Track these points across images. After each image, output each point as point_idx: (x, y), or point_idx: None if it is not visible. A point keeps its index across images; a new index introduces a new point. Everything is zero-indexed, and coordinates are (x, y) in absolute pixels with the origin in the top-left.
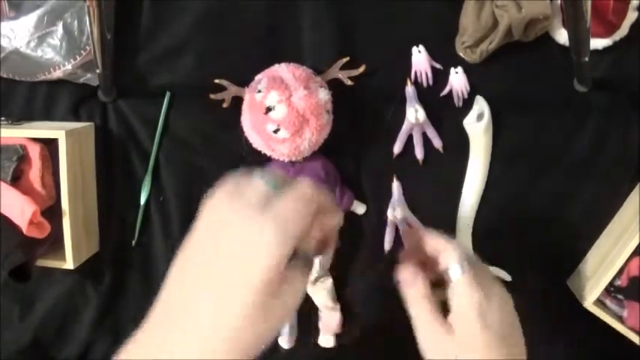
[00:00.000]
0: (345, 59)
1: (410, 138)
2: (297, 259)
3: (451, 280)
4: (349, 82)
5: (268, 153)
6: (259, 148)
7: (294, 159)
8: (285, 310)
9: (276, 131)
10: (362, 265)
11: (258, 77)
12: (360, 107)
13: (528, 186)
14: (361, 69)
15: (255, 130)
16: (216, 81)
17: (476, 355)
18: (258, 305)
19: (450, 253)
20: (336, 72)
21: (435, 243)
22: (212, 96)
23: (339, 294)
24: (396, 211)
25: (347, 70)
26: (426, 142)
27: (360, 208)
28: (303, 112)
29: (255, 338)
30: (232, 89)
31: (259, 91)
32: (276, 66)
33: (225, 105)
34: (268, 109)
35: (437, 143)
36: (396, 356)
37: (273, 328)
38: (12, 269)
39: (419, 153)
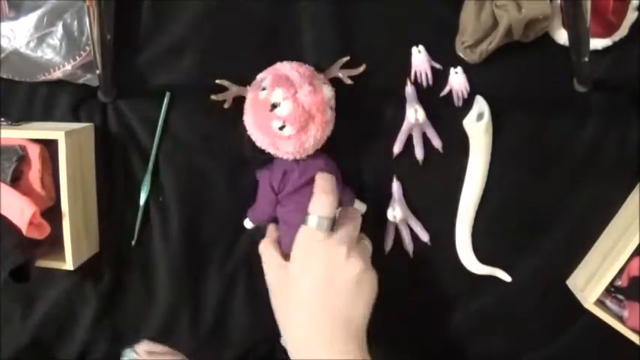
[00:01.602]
0: (346, 58)
1: (410, 138)
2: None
3: (307, 224)
4: (349, 81)
5: (272, 152)
6: (263, 147)
7: (298, 157)
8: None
9: (281, 128)
10: None
11: (260, 76)
12: (360, 107)
13: (528, 186)
14: (361, 68)
15: (259, 129)
16: (218, 81)
17: (296, 281)
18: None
19: (315, 207)
20: (337, 71)
21: (315, 195)
22: (213, 97)
23: None
24: (396, 211)
25: (347, 69)
26: (426, 142)
27: (360, 207)
28: (309, 108)
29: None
30: (234, 89)
31: (263, 89)
32: (279, 64)
33: (226, 105)
34: (274, 106)
35: (437, 143)
36: (396, 357)
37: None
38: (12, 270)
39: (419, 153)
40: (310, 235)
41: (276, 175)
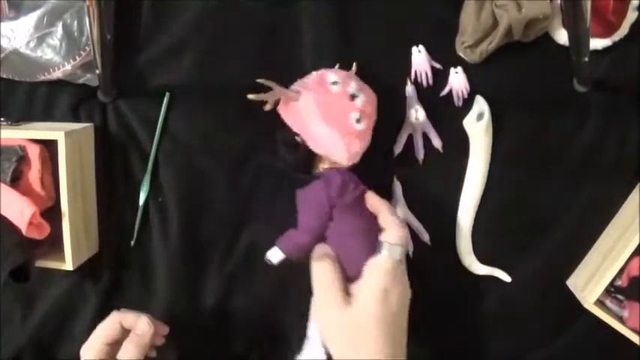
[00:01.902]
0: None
1: (410, 138)
2: None
3: (378, 253)
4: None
5: (339, 154)
6: (328, 149)
7: (351, 163)
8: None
9: (358, 120)
10: None
11: (306, 80)
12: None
13: (528, 186)
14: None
15: (332, 124)
16: (260, 80)
17: (367, 324)
18: None
19: (392, 234)
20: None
21: (385, 219)
22: (251, 97)
23: None
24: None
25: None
26: (426, 142)
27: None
28: (373, 104)
29: None
30: (278, 90)
31: (334, 83)
32: (315, 72)
33: (267, 107)
34: (352, 97)
35: (437, 143)
36: None
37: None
38: (12, 270)
39: (419, 153)
40: (394, 268)
41: (334, 186)
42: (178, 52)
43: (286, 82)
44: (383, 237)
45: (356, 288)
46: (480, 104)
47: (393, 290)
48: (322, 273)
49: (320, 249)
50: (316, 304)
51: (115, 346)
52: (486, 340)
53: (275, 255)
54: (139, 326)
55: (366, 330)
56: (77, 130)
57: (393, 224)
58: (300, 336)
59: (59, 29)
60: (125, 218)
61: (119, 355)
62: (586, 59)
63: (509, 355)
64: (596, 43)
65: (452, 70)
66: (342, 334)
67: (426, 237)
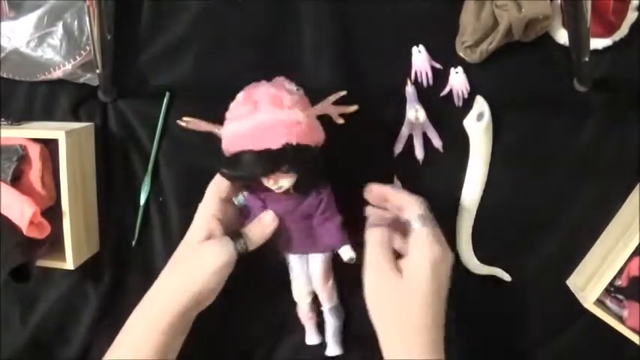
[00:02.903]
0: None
1: (410, 138)
2: None
3: (414, 229)
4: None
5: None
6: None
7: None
8: None
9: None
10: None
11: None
12: (360, 107)
13: (528, 186)
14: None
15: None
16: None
17: (417, 301)
18: None
19: (413, 208)
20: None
21: (398, 199)
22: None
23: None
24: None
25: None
26: (426, 142)
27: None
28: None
29: None
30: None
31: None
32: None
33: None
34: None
35: (437, 143)
36: None
37: None
38: (12, 269)
39: (419, 153)
40: (435, 235)
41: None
42: (178, 52)
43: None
44: (407, 214)
45: (404, 263)
46: (480, 104)
47: (441, 259)
48: (379, 238)
49: (375, 215)
50: (367, 271)
51: (228, 208)
52: (486, 340)
53: (347, 251)
54: (265, 216)
55: (415, 305)
56: (77, 130)
57: (408, 199)
58: (304, 330)
59: (59, 29)
60: (126, 218)
61: (244, 228)
62: (586, 59)
63: (510, 354)
64: (596, 43)
65: (452, 70)
66: (390, 305)
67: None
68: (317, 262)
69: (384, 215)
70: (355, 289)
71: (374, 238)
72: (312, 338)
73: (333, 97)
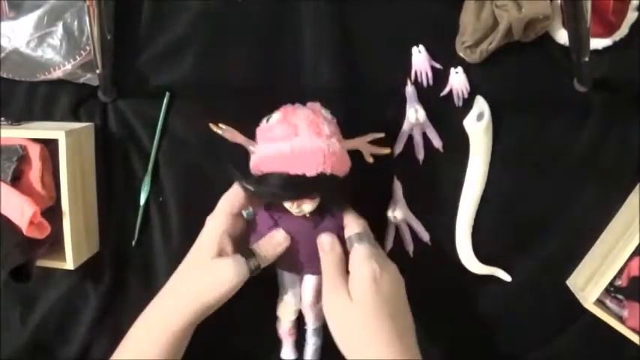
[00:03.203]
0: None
1: (410, 138)
2: None
3: (353, 247)
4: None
5: None
6: None
7: None
8: None
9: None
10: None
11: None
12: (360, 107)
13: (528, 186)
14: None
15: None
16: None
17: (369, 322)
18: None
19: (352, 226)
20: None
21: (344, 218)
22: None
23: None
24: (396, 211)
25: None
26: (426, 142)
27: None
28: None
29: None
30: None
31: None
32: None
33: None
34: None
35: (437, 143)
36: None
37: None
38: (12, 269)
39: (419, 153)
40: (372, 253)
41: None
42: (178, 52)
43: (286, 82)
44: (347, 233)
45: (350, 284)
46: (480, 104)
47: (381, 276)
48: (332, 261)
49: (327, 239)
50: (325, 297)
51: (238, 222)
52: (486, 340)
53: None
54: (276, 235)
55: (368, 324)
56: (78, 130)
57: (350, 218)
58: (306, 329)
59: (59, 29)
60: (125, 218)
61: (254, 246)
62: (586, 59)
63: (510, 355)
64: (596, 43)
65: (452, 70)
66: (347, 327)
67: (426, 237)
68: (311, 282)
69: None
70: None
71: (327, 261)
72: (288, 354)
73: (370, 137)
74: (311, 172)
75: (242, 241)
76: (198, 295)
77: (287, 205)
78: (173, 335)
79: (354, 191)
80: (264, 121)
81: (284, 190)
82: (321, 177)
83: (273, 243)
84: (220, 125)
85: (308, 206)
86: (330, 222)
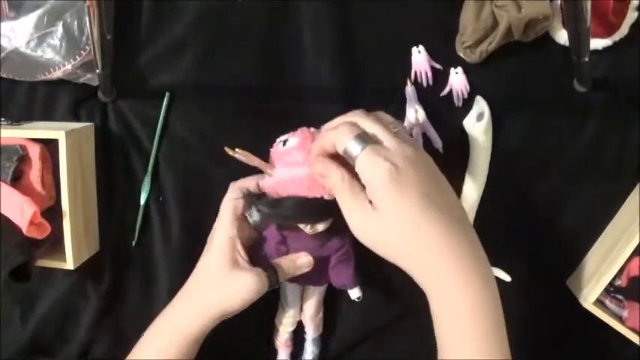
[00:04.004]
0: None
1: None
2: None
3: (353, 159)
4: None
5: None
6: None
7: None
8: None
9: None
10: (362, 266)
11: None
12: (360, 107)
13: (528, 186)
14: None
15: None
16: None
17: (403, 221)
18: None
19: (343, 131)
20: None
21: (328, 131)
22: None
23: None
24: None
25: None
26: (426, 142)
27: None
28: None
29: None
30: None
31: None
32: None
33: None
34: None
35: (437, 143)
36: (395, 356)
37: None
38: (12, 269)
39: None
40: (372, 156)
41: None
42: (178, 52)
43: (286, 82)
44: (339, 148)
45: (369, 196)
46: (480, 104)
47: (399, 170)
48: (338, 179)
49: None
50: (347, 217)
51: (244, 226)
52: None
53: (357, 292)
54: (302, 258)
55: (407, 224)
56: (78, 130)
57: (335, 130)
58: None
59: (59, 29)
60: (126, 218)
61: (276, 261)
62: (586, 59)
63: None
64: (596, 43)
65: (452, 70)
66: (392, 243)
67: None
68: (314, 293)
69: (325, 159)
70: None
71: (333, 180)
72: None
73: None
74: (328, 196)
75: (252, 249)
76: (217, 303)
77: (301, 226)
78: (187, 340)
79: None
80: (279, 144)
81: (302, 215)
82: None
83: (297, 264)
84: (236, 150)
85: (322, 226)
86: (337, 240)
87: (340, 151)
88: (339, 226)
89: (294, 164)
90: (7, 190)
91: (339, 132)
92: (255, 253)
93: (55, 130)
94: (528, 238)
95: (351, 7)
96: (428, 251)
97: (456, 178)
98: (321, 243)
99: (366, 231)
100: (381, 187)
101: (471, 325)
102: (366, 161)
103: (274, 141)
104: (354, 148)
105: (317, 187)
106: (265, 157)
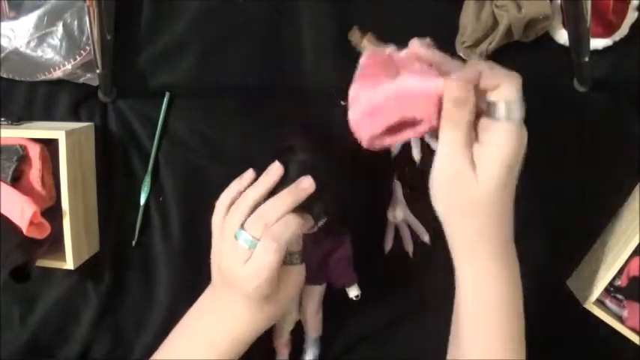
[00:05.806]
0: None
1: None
2: None
3: (499, 117)
4: None
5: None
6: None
7: None
8: None
9: None
10: (362, 266)
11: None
12: None
13: (528, 186)
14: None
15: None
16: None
17: (489, 197)
18: None
19: (511, 82)
20: None
21: (493, 75)
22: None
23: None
24: (396, 211)
25: None
26: (425, 142)
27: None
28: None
29: None
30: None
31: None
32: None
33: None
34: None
35: (435, 145)
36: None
37: None
38: (12, 269)
39: (416, 154)
40: (518, 134)
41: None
42: (178, 52)
43: (286, 81)
44: (494, 96)
45: (477, 155)
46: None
47: (516, 164)
48: (465, 118)
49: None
50: (440, 164)
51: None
52: None
53: (355, 289)
54: (302, 180)
55: (486, 210)
56: (78, 130)
57: (503, 76)
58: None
59: (59, 29)
60: (126, 218)
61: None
62: (586, 59)
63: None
64: (596, 43)
65: None
66: (459, 208)
67: (426, 237)
68: (314, 292)
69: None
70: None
71: (462, 115)
72: None
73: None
74: (430, 128)
75: None
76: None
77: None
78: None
79: (355, 192)
80: (385, 50)
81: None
82: None
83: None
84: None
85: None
86: (336, 239)
87: (494, 97)
88: (338, 225)
89: (427, 74)
90: (7, 190)
91: (509, 81)
92: None
93: (55, 130)
94: (528, 238)
95: (351, 6)
96: (498, 237)
97: None
98: (320, 241)
99: (451, 185)
100: (505, 163)
101: (501, 319)
102: (512, 132)
103: (274, 141)
104: (515, 108)
105: (436, 111)
106: (265, 157)
